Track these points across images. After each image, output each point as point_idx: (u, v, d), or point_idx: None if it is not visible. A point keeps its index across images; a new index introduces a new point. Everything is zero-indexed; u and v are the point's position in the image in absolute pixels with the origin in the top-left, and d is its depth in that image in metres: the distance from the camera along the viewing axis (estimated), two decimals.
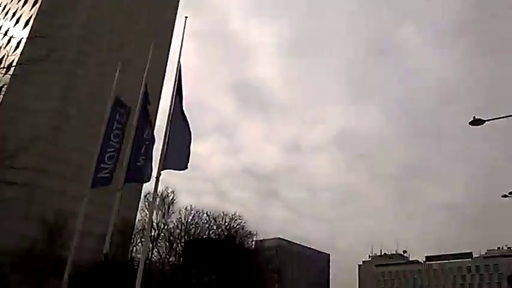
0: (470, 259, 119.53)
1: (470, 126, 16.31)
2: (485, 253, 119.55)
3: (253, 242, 36.43)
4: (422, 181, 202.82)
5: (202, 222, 31.25)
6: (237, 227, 32.77)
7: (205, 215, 31.45)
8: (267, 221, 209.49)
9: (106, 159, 14.17)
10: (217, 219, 31.80)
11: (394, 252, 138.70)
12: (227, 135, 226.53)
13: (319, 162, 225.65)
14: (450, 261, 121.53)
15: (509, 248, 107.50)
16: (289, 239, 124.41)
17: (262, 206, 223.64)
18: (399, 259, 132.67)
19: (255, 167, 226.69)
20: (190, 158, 13.25)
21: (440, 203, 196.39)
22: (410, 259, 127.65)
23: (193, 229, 30.90)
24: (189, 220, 30.35)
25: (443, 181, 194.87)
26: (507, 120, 16.12)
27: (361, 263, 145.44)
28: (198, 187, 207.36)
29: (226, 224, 32.11)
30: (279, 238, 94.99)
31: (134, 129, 13.92)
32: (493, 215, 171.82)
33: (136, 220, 32.59)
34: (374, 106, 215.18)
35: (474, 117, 15.91)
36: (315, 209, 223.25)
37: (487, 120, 15.99)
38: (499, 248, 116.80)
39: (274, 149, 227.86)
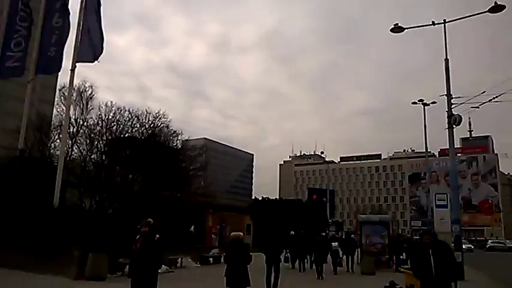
0: (379, 160, 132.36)
1: (391, 33, 16.82)
2: (392, 155, 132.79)
3: (179, 142, 36.62)
4: (343, 86, 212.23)
5: (125, 120, 30.22)
6: (161, 125, 32.24)
7: (127, 112, 30.40)
8: (194, 121, 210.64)
9: (12, 46, 12.84)
10: (140, 117, 30.88)
11: (313, 153, 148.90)
12: (150, 28, 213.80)
13: (246, 63, 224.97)
14: (362, 161, 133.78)
15: (413, 150, 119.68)
16: (215, 139, 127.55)
17: (189, 106, 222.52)
18: (317, 159, 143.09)
19: (181, 65, 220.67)
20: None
21: (358, 108, 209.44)
22: (327, 159, 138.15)
23: (115, 126, 29.94)
24: (110, 117, 29.22)
25: (362, 87, 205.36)
26: (426, 29, 16.82)
27: (282, 163, 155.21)
28: (119, 83, 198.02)
29: (150, 122, 31.47)
30: (205, 138, 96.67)
31: (42, 14, 12.59)
32: (402, 120, 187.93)
33: (53, 115, 30.85)
34: (301, 10, 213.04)
35: (395, 24, 16.41)
36: (241, 110, 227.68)
37: (407, 28, 16.59)
38: (404, 150, 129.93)
39: (201, 46, 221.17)
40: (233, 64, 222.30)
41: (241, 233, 8.13)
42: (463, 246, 40.10)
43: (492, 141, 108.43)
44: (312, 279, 14.48)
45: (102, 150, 30.68)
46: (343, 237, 22.30)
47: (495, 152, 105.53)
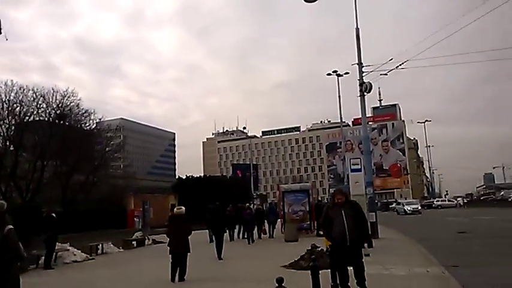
0: (298, 132, 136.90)
1: (305, 2, 16.84)
2: (311, 126, 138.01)
3: (92, 122, 34.44)
4: (261, 59, 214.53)
5: (29, 100, 27.70)
6: (71, 104, 30.03)
7: (31, 91, 27.79)
8: (109, 100, 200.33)
9: None
10: (46, 97, 28.45)
11: (235, 129, 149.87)
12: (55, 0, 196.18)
13: (163, 37, 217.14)
14: (282, 134, 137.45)
15: (329, 121, 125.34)
16: (132, 119, 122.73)
17: (102, 84, 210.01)
18: (239, 135, 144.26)
19: (92, 40, 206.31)
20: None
21: (276, 81, 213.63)
22: (249, 134, 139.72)
23: (18, 108, 27.36)
24: (12, 98, 26.61)
25: (279, 59, 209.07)
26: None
27: (205, 140, 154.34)
28: (22, 62, 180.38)
29: (58, 101, 29.11)
30: (122, 118, 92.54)
31: None
32: (319, 92, 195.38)
33: None
34: None
35: None
36: (160, 87, 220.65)
37: None
38: (321, 121, 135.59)
39: (113, 19, 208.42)
40: (149, 38, 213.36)
41: (183, 209, 8.88)
42: (409, 208, 41.75)
43: (399, 108, 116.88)
44: (244, 245, 16.83)
45: (5, 135, 27.94)
46: (265, 208, 23.16)
47: (402, 119, 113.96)
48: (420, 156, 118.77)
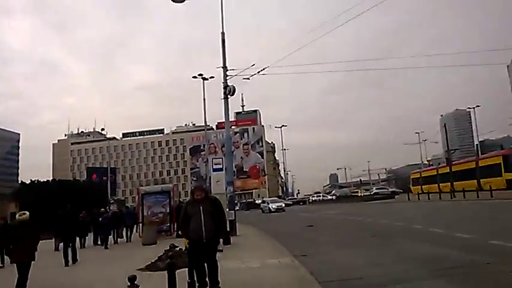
0: (162, 134, 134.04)
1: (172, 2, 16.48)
2: (175, 129, 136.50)
3: None
4: (125, 60, 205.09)
5: None
6: None
7: None
8: None
9: None
10: None
11: (92, 130, 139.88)
12: None
13: (12, 27, 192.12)
14: (145, 136, 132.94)
15: (194, 124, 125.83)
16: None
17: None
18: (97, 136, 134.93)
19: None
20: None
21: (141, 83, 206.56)
22: (108, 136, 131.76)
23: None
24: None
25: (144, 61, 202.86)
26: (210, 4, 17.17)
27: (56, 142, 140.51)
28: None
29: None
30: None
31: None
32: (184, 95, 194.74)
33: None
34: None
35: None
36: (4, 82, 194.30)
37: None
38: (185, 124, 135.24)
39: None
40: None
41: (28, 214, 7.90)
42: (274, 206, 41.68)
43: (260, 114, 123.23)
44: (99, 250, 16.14)
45: None
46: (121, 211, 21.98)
47: (262, 124, 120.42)
48: (277, 158, 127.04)
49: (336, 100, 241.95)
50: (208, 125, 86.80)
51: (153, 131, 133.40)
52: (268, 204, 43.60)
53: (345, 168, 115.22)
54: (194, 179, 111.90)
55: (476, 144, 73.08)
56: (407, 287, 5.75)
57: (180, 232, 10.51)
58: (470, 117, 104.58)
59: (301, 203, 65.33)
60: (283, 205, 43.43)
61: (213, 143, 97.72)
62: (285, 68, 21.42)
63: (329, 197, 68.03)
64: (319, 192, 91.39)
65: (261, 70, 17.78)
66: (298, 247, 11.00)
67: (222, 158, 15.92)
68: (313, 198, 69.50)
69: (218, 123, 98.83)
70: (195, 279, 6.06)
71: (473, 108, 65.76)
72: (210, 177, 18.81)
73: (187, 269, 6.27)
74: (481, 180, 34.47)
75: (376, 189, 63.53)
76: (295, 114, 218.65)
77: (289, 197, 77.44)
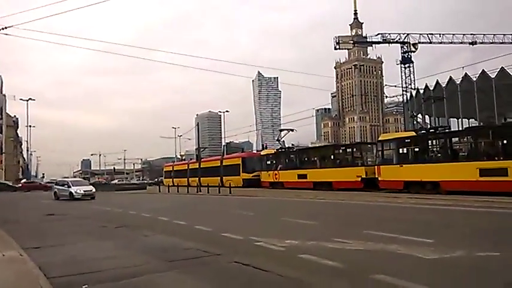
0: None
1: None
2: None
3: None
4: None
5: None
6: None
7: None
8: None
9: None
10: None
11: None
12: None
13: None
14: None
15: None
16: None
17: None
18: None
19: None
20: None
21: None
22: None
23: None
24: None
25: None
26: None
27: None
28: None
29: None
30: None
31: None
32: None
33: None
34: None
35: None
36: None
37: None
38: None
39: None
40: None
41: None
42: (80, 190, 28.63)
43: (2, 81, 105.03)
44: None
45: None
46: None
47: (3, 93, 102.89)
48: (19, 135, 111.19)
49: (97, 82, 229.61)
50: None
51: None
52: (70, 187, 29.23)
53: (100, 155, 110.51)
54: None
55: (223, 145, 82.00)
56: (143, 280, 5.76)
57: None
58: (220, 119, 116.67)
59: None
60: (93, 190, 30.24)
61: None
62: (40, 34, 18.84)
63: None
64: (67, 177, 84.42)
65: (4, 28, 15.05)
66: (32, 239, 9.76)
67: None
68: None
69: None
70: None
71: (224, 112, 73.62)
72: None
73: None
74: (223, 177, 38.65)
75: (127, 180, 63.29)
76: (49, 89, 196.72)
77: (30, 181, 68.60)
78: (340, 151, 29.44)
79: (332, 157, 28.75)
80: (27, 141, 79.82)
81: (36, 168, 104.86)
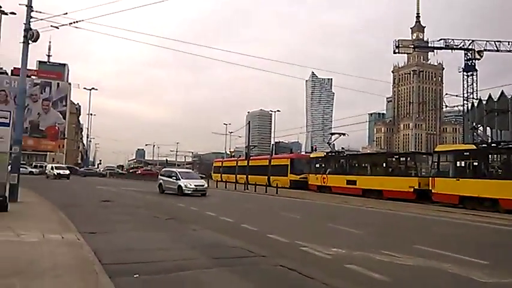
0: None
1: None
2: None
3: None
4: None
5: None
6: None
7: None
8: None
9: None
10: None
11: None
12: None
13: None
14: None
15: None
16: None
17: None
18: None
19: None
20: None
21: None
22: None
23: None
24: None
25: None
26: None
27: None
28: None
29: None
30: None
31: None
32: None
33: None
34: None
35: None
36: None
37: None
38: None
39: None
40: None
41: None
42: (191, 185, 23.66)
43: (68, 70, 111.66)
44: None
45: None
46: None
47: (69, 81, 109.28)
48: (81, 122, 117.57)
49: (154, 75, 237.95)
50: (1, 68, 74.13)
51: None
52: (178, 179, 24.18)
53: (154, 145, 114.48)
54: None
55: (272, 144, 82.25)
56: (189, 275, 5.90)
57: None
58: (271, 118, 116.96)
59: (101, 176, 62.08)
60: (206, 185, 25.22)
61: (4, 90, 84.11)
62: (105, 28, 19.78)
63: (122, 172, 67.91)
64: (122, 166, 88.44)
65: (74, 22, 15.95)
66: (88, 224, 10.30)
67: (10, 112, 13.54)
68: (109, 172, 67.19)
69: (14, 68, 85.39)
70: None
71: (275, 112, 73.61)
72: None
73: None
74: (271, 177, 38.78)
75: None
76: (109, 79, 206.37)
77: (88, 167, 72.65)
78: (394, 159, 28.63)
79: (384, 165, 28.00)
80: (87, 128, 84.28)
81: (94, 155, 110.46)
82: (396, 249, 8.15)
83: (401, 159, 27.90)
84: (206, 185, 25.05)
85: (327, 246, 8.14)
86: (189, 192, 23.15)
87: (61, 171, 42.40)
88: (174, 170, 27.96)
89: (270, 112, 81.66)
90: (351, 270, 6.43)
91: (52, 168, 45.21)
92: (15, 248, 6.77)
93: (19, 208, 12.25)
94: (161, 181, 25.96)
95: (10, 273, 5.02)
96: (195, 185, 23.80)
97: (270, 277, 6.07)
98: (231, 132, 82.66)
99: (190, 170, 28.65)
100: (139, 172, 74.75)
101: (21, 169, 15.77)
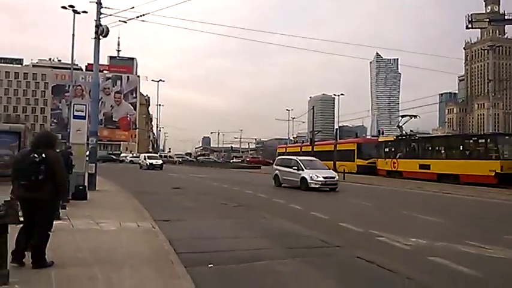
0: (20, 65, 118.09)
1: None
2: (37, 62, 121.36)
3: None
4: None
5: None
6: None
7: None
8: None
9: None
10: None
11: None
12: None
13: None
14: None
15: (60, 60, 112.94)
16: None
17: None
18: None
19: None
20: None
21: None
22: None
23: None
24: None
25: None
26: None
27: None
28: None
29: None
30: None
31: None
32: (51, 26, 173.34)
33: None
34: None
35: None
36: None
37: None
38: (50, 59, 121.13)
39: None
40: None
41: None
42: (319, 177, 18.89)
43: (136, 63, 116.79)
44: None
45: None
46: None
47: (138, 74, 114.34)
48: (150, 113, 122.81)
49: (218, 64, 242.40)
50: (77, 64, 78.96)
51: (8, 59, 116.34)
52: (301, 169, 19.34)
53: (218, 133, 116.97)
54: (55, 121, 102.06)
55: (336, 129, 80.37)
56: (264, 265, 5.73)
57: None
58: (334, 103, 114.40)
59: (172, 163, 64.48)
60: (337, 177, 19.80)
61: (80, 85, 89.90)
62: (170, 19, 20.13)
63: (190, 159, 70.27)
64: (190, 153, 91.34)
65: (141, 15, 16.36)
66: (161, 211, 10.54)
67: (86, 105, 14.29)
68: (179, 159, 69.52)
69: (88, 64, 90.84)
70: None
71: (338, 95, 71.58)
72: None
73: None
74: (336, 162, 37.92)
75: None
76: (175, 70, 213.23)
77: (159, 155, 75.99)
78: (472, 141, 26.65)
79: (461, 148, 26.19)
80: (157, 119, 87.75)
81: (163, 143, 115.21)
82: (483, 240, 7.47)
83: (480, 141, 25.91)
84: (337, 177, 19.84)
85: (405, 236, 7.65)
86: (317, 186, 18.33)
87: (153, 161, 39.96)
88: (294, 158, 21.83)
89: (333, 96, 79.70)
90: (435, 263, 5.94)
91: (145, 158, 42.26)
92: (96, 236, 7.04)
93: (97, 196, 12.89)
94: (277, 172, 21.25)
95: (92, 262, 5.15)
96: (324, 177, 18.68)
97: (349, 270, 5.74)
98: (294, 118, 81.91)
99: (313, 158, 22.96)
100: (249, 160, 77.62)
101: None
